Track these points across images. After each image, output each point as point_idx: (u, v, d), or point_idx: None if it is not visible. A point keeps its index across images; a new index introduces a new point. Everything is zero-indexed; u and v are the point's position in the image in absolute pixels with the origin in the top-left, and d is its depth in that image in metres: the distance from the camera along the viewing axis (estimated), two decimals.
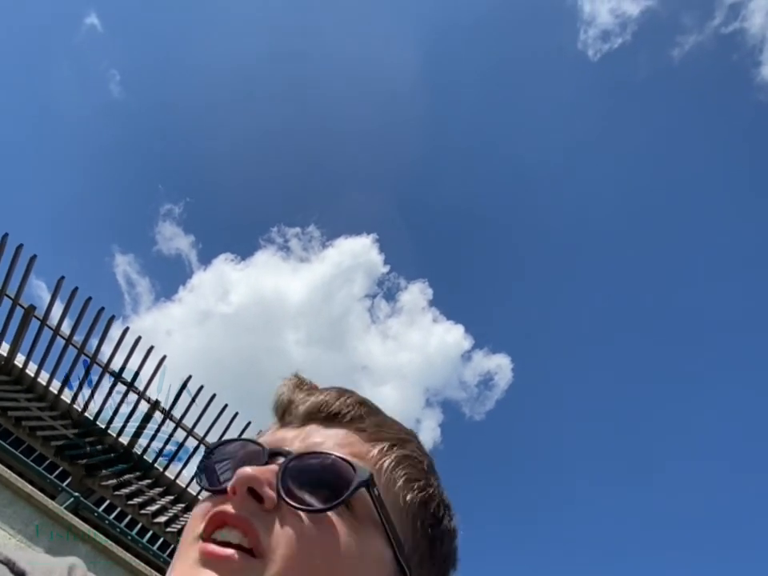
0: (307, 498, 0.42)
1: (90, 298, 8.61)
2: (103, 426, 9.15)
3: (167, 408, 9.42)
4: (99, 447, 8.82)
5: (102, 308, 8.78)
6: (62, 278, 8.45)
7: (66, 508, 6.30)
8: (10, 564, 0.41)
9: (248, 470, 0.42)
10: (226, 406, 9.27)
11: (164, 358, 9.33)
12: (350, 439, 0.48)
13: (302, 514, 0.41)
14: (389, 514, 0.43)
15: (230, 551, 0.39)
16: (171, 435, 9.53)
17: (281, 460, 0.44)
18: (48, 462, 7.88)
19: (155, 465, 9.27)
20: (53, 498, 6.22)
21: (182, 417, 9.42)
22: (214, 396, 9.28)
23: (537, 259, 27.19)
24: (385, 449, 0.48)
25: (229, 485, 0.42)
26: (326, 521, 0.41)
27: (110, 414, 9.36)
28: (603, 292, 26.53)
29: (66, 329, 8.74)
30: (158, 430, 9.83)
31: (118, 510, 7.65)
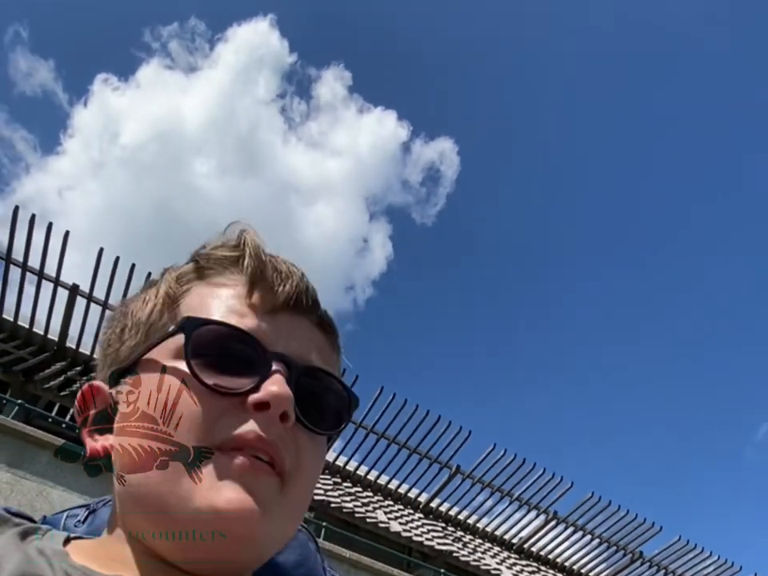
0: (314, 419, 0.43)
1: None
2: (26, 326, 8.72)
3: (88, 291, 9.06)
4: (30, 349, 8.48)
5: None
6: None
7: (14, 418, 6.21)
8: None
9: (285, 390, 0.40)
10: (149, 274, 9.05)
11: (67, 233, 8.78)
12: (321, 344, 0.48)
13: (308, 434, 0.43)
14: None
15: (266, 467, 0.39)
16: (102, 318, 9.26)
17: (284, 369, 0.42)
18: None
19: (95, 356, 9.13)
20: None
21: (107, 297, 9.12)
22: (134, 266, 9.01)
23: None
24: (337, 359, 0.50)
25: (257, 397, 0.40)
26: (320, 441, 0.44)
27: (30, 310, 8.90)
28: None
29: None
30: (85, 318, 9.52)
31: (72, 411, 7.63)
